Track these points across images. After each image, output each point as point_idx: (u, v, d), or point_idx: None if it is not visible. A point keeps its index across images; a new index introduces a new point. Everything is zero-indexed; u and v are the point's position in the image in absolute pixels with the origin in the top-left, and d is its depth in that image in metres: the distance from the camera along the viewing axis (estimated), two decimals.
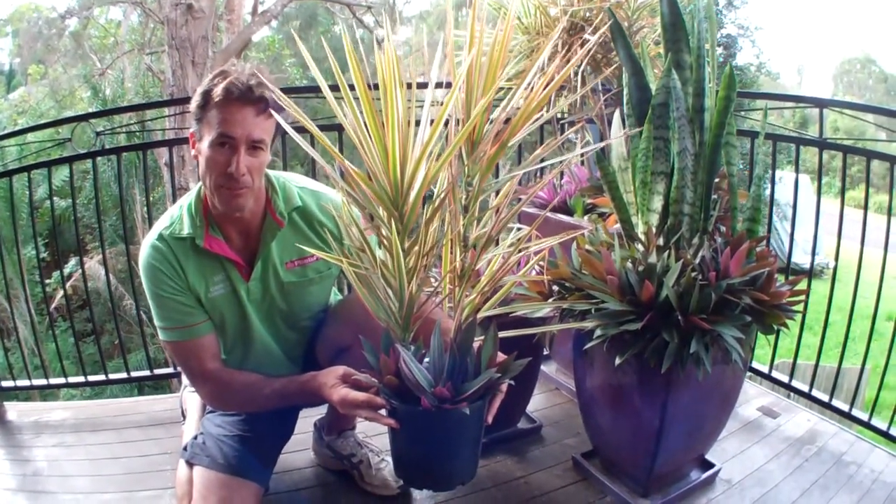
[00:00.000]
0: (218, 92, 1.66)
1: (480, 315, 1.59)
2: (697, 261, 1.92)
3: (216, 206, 1.78)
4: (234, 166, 1.67)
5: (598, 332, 1.87)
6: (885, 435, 2.57)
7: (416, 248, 1.48)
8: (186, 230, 1.80)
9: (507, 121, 1.50)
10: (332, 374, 1.67)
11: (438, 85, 1.45)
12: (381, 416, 1.52)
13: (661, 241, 2.05)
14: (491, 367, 1.51)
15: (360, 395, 1.56)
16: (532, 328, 1.92)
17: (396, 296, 1.50)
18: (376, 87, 1.39)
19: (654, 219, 2.11)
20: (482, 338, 1.54)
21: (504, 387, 1.54)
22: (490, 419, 1.55)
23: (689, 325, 1.80)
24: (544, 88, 1.46)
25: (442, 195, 1.47)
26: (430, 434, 1.53)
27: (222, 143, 1.68)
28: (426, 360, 1.52)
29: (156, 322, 1.85)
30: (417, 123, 1.43)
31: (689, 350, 1.78)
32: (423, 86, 1.47)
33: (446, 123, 1.43)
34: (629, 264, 1.96)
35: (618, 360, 1.85)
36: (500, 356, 1.56)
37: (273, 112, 1.69)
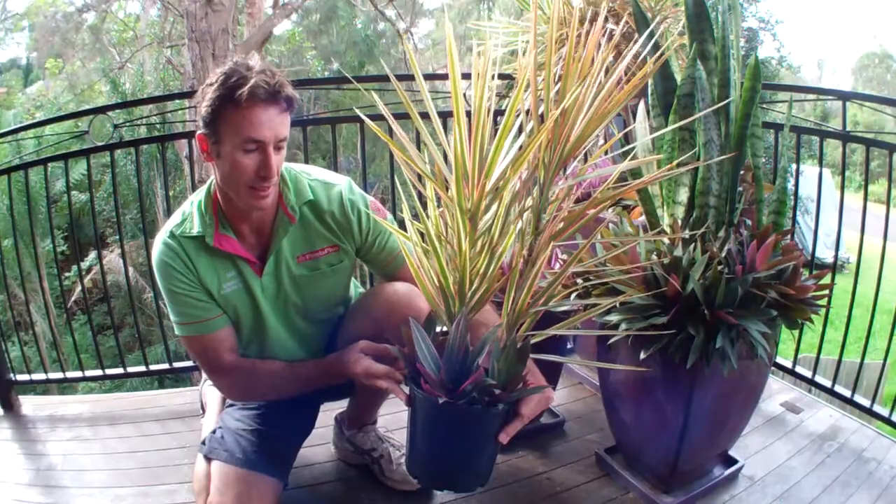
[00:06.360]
0: (244, 94, 1.58)
1: (522, 333, 1.55)
2: (723, 254, 1.89)
3: (237, 205, 1.76)
4: (269, 169, 1.65)
5: (623, 326, 1.85)
6: None
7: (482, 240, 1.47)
8: (196, 229, 1.78)
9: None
10: (353, 350, 1.75)
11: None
12: (398, 389, 1.60)
13: (686, 234, 2.02)
14: (514, 383, 1.49)
15: (382, 367, 1.66)
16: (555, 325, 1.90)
17: (456, 279, 1.48)
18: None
19: (680, 211, 2.08)
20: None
21: (525, 412, 1.50)
22: (505, 440, 1.49)
23: (715, 320, 1.77)
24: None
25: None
26: (433, 424, 1.51)
27: (250, 148, 1.64)
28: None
29: (171, 318, 1.85)
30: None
31: (714, 345, 1.76)
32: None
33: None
34: (654, 257, 1.94)
35: (643, 355, 1.83)
36: (537, 379, 1.58)
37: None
